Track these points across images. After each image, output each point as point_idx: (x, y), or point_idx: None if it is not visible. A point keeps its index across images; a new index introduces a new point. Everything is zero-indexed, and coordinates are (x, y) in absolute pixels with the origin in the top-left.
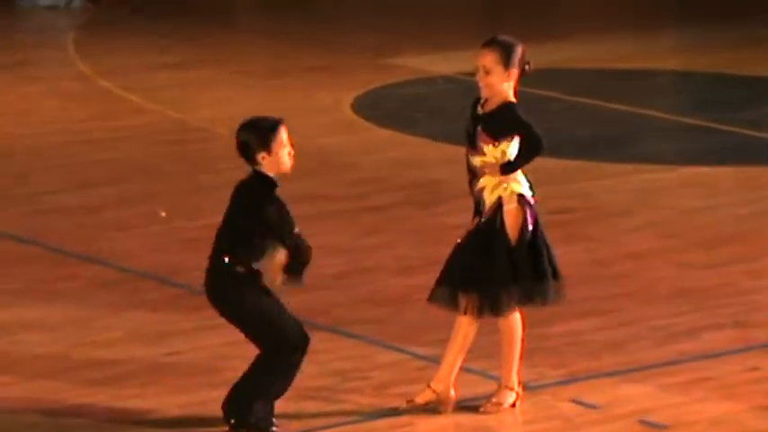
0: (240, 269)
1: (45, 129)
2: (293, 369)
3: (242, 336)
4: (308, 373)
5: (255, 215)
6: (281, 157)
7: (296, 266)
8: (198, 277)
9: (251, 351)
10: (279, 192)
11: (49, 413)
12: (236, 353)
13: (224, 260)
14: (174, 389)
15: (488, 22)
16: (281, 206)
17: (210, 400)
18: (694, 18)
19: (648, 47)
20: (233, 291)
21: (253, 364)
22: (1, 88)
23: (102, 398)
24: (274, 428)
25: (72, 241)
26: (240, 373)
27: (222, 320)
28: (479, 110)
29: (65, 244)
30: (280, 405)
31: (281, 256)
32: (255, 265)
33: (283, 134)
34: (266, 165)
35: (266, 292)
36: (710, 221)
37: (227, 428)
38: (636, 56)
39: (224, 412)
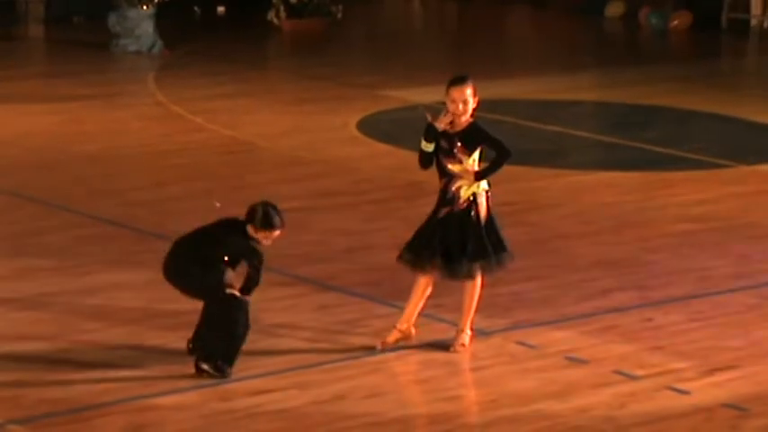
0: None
1: (131, 143)
2: (243, 321)
3: (274, 294)
4: (323, 321)
5: (243, 242)
6: (264, 241)
7: (250, 288)
8: None
9: (283, 307)
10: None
11: (134, 348)
12: (270, 307)
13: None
14: None
15: (455, 65)
16: (254, 248)
17: (250, 340)
18: (608, 62)
19: (574, 83)
20: (186, 273)
21: (206, 315)
22: (98, 113)
23: (173, 338)
24: (229, 371)
25: (150, 224)
26: (272, 321)
27: (264, 284)
28: (449, 129)
29: (145, 226)
30: (300, 344)
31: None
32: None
33: (276, 233)
34: (252, 232)
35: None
36: (619, 212)
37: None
38: (564, 90)
39: (191, 349)
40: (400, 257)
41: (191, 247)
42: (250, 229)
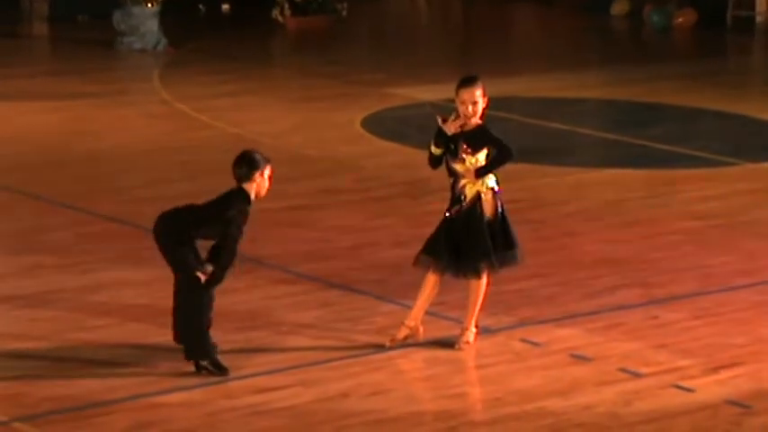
0: (183, 228)
1: (136, 140)
2: (208, 307)
3: (279, 291)
4: (327, 318)
5: (222, 213)
6: (264, 185)
7: (216, 279)
8: (248, 249)
9: (288, 304)
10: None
11: (137, 347)
12: (275, 305)
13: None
14: (229, 329)
15: (461, 63)
16: (243, 217)
17: (255, 338)
18: (613, 60)
19: (580, 81)
20: (172, 239)
21: (181, 311)
22: (103, 111)
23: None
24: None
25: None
26: (277, 319)
27: (266, 281)
28: (458, 129)
29: (149, 223)
30: (305, 341)
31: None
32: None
33: (267, 170)
34: (248, 186)
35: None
36: (624, 210)
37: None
38: (570, 88)
39: (177, 341)
40: (416, 262)
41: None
42: (247, 185)
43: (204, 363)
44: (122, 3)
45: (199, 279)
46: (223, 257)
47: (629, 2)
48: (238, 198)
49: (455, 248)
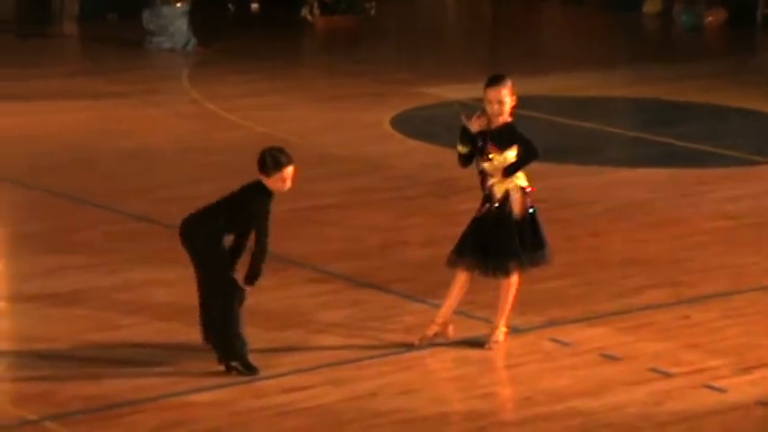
0: (212, 228)
1: (165, 139)
2: (239, 309)
3: (308, 291)
4: (357, 317)
5: (249, 204)
6: (283, 184)
7: (251, 269)
8: (279, 248)
9: (317, 304)
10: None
11: (166, 346)
12: (304, 304)
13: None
14: (259, 328)
15: (490, 62)
16: (267, 208)
17: (284, 337)
18: (640, 59)
19: (606, 80)
20: (202, 241)
21: (210, 312)
22: (133, 110)
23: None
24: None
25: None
26: (307, 318)
27: (295, 280)
28: (487, 127)
29: (178, 223)
30: (334, 340)
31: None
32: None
33: (289, 170)
34: (269, 182)
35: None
36: (653, 209)
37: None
38: (597, 87)
39: (205, 340)
40: (448, 262)
41: (209, 215)
42: (267, 181)
43: (234, 363)
44: (152, 2)
45: (233, 280)
46: (257, 253)
47: (661, 0)
48: (260, 192)
49: (484, 247)
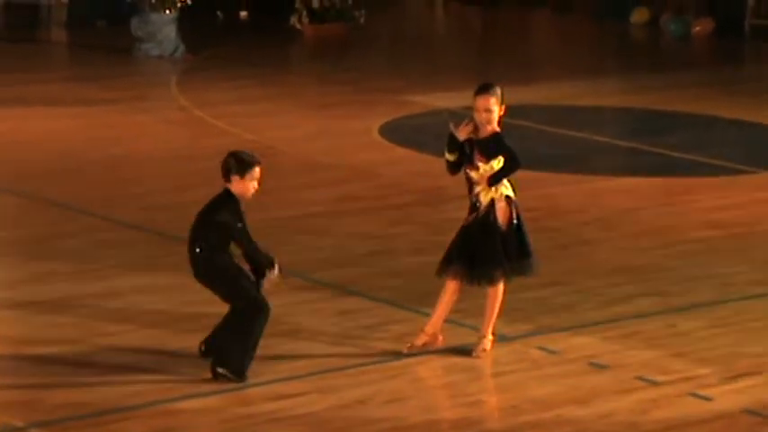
0: (208, 254)
1: (153, 146)
2: (260, 329)
3: (296, 299)
4: (345, 325)
5: (215, 219)
6: (251, 185)
7: (260, 268)
8: None
9: (305, 311)
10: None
11: (154, 353)
12: (292, 312)
13: (196, 250)
14: None
15: (479, 71)
16: (235, 216)
17: (272, 344)
18: (628, 68)
19: (595, 89)
20: (207, 271)
21: (227, 319)
22: (121, 117)
23: (194, 342)
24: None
25: (172, 228)
26: (294, 326)
27: (283, 288)
28: (473, 137)
29: (166, 230)
30: (322, 348)
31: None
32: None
33: (257, 171)
34: (234, 186)
35: (237, 267)
36: (641, 218)
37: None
38: (587, 96)
39: (204, 351)
40: (438, 271)
41: (201, 240)
42: (232, 186)
43: (221, 370)
44: (140, 9)
45: (257, 300)
46: (248, 256)
47: (649, 10)
48: (223, 202)
49: (470, 256)
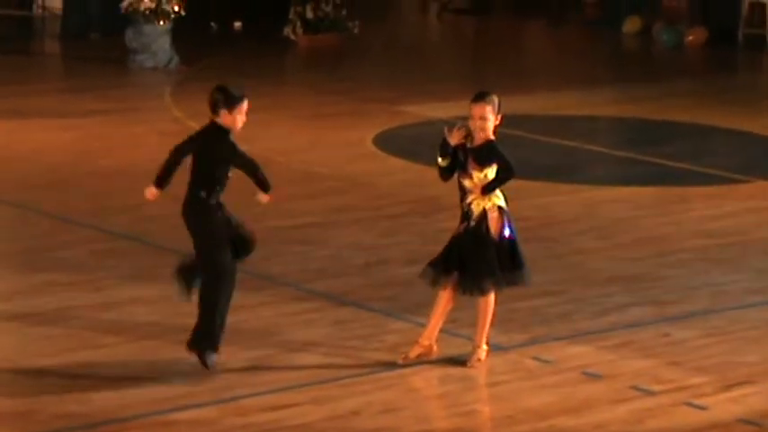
0: (211, 201)
1: (148, 157)
2: (225, 299)
3: (290, 309)
4: (338, 336)
5: (219, 154)
6: (240, 118)
7: (264, 184)
8: (260, 267)
9: (299, 322)
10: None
11: (150, 364)
12: (286, 322)
13: (201, 193)
14: (241, 347)
15: (473, 80)
16: (235, 143)
17: (267, 355)
18: (624, 78)
19: (590, 99)
20: (201, 217)
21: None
22: (115, 128)
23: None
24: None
25: (166, 239)
26: (288, 336)
27: (278, 298)
28: (467, 145)
29: (161, 241)
30: (316, 359)
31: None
32: (219, 197)
33: (244, 104)
34: (223, 119)
35: (225, 221)
36: (636, 227)
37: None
38: (581, 106)
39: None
40: (422, 275)
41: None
42: (223, 119)
43: (195, 352)
44: (134, 21)
45: (223, 263)
46: (254, 174)
47: (641, 20)
48: (221, 135)
49: (462, 265)
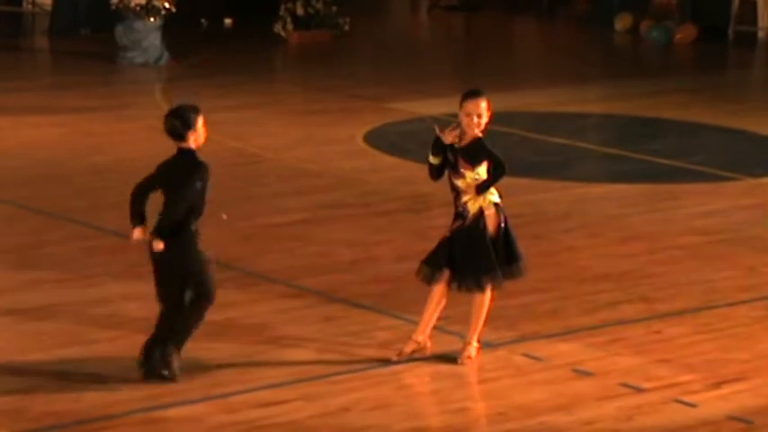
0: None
1: (138, 154)
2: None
3: (281, 306)
4: (329, 332)
5: (196, 182)
6: (202, 132)
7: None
8: (251, 264)
9: (289, 319)
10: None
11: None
12: (276, 319)
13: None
14: (231, 343)
15: (463, 77)
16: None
17: (257, 352)
18: (613, 75)
19: (580, 96)
20: (177, 255)
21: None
22: (106, 125)
23: (182, 349)
24: (165, 372)
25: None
26: (279, 333)
27: (268, 295)
28: (456, 144)
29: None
30: (307, 355)
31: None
32: (195, 226)
33: (200, 120)
34: (193, 142)
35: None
36: (626, 224)
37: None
38: (571, 103)
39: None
40: (418, 272)
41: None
42: (193, 141)
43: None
44: (125, 17)
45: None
46: (162, 221)
47: (633, 17)
48: (194, 163)
49: (458, 262)
